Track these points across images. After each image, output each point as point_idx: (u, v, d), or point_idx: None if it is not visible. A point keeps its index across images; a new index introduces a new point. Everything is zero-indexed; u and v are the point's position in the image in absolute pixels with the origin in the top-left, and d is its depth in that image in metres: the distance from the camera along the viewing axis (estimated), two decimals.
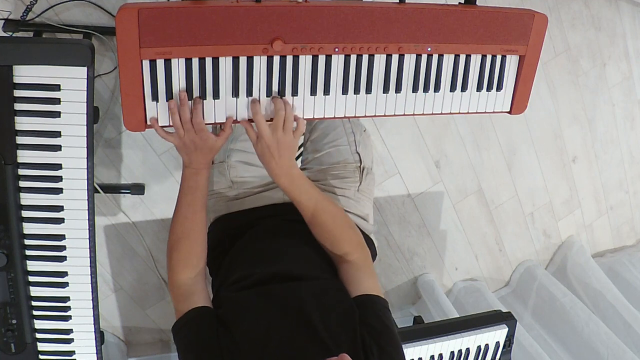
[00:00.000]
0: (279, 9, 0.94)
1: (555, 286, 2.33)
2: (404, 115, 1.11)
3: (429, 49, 1.06)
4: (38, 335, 1.14)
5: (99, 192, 1.68)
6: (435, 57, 1.07)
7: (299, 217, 1.11)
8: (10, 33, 1.51)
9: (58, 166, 1.02)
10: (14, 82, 0.95)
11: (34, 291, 1.10)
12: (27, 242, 1.06)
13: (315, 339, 0.91)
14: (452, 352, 1.41)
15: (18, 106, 0.96)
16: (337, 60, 1.02)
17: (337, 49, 1.00)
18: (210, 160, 1.06)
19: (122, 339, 2.05)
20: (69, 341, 1.16)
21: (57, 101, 0.97)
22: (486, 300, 2.28)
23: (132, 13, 0.89)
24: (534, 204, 2.43)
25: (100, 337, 1.19)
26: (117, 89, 1.66)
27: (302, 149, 1.35)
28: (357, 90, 1.05)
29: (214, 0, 0.94)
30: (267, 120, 1.01)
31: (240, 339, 0.93)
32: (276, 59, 0.99)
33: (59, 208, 1.05)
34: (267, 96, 1.01)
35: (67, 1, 1.53)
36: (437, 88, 1.10)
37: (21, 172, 1.01)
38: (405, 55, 1.05)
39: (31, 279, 1.09)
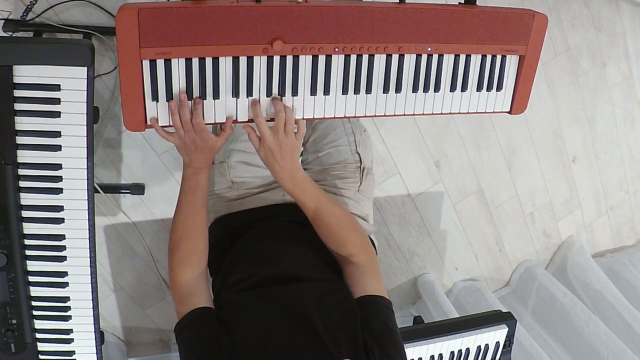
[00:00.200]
0: (279, 9, 0.94)
1: (555, 286, 2.33)
2: (404, 115, 1.11)
3: (429, 49, 1.06)
4: (38, 335, 1.14)
5: (99, 192, 1.68)
6: (435, 57, 1.07)
7: (300, 217, 1.11)
8: (10, 33, 1.51)
9: (58, 166, 1.02)
10: (14, 82, 0.95)
11: (34, 291, 1.10)
12: (27, 242, 1.06)
13: (315, 340, 0.91)
14: (452, 352, 1.41)
15: (18, 106, 0.96)
16: (337, 60, 1.02)
17: (337, 49, 1.00)
18: (210, 160, 1.06)
19: (122, 339, 2.04)
20: (69, 341, 1.16)
21: (57, 101, 0.97)
22: (486, 300, 2.28)
23: (132, 13, 0.89)
24: (534, 204, 2.43)
25: (100, 337, 1.19)
26: (117, 89, 1.66)
27: (302, 149, 1.34)
28: (357, 90, 1.05)
29: (214, 0, 0.94)
30: (268, 121, 1.01)
31: (240, 340, 0.93)
32: (276, 59, 0.99)
33: (59, 208, 1.04)
34: (267, 96, 1.01)
35: (67, 1, 1.53)
36: (437, 88, 1.10)
37: (21, 172, 1.01)
38: (405, 55, 1.05)
39: (31, 279, 1.09)
